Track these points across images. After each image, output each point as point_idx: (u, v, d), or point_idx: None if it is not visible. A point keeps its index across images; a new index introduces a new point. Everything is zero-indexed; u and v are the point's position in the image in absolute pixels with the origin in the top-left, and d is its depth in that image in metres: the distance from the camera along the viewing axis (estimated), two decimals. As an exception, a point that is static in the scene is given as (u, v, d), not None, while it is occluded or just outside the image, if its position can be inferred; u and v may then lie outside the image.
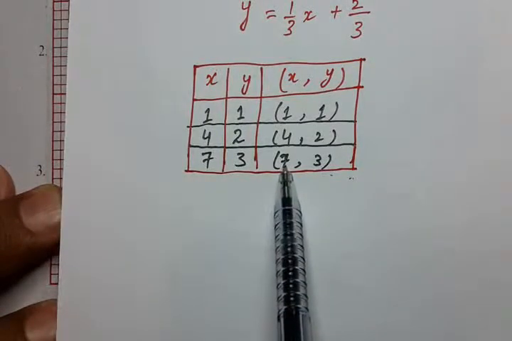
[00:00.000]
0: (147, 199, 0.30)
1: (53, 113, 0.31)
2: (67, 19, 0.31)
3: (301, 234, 0.28)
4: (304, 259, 0.27)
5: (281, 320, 0.26)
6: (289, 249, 0.27)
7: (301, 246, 0.27)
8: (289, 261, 0.27)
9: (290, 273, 0.26)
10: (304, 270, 0.27)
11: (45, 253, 0.30)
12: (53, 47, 0.32)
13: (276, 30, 0.30)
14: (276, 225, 0.28)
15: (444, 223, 0.28)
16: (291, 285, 0.26)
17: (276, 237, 0.28)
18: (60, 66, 0.31)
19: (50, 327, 0.29)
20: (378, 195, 0.28)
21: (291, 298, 0.26)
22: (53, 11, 0.32)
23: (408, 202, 0.28)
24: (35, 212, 0.29)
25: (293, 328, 0.25)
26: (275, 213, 0.28)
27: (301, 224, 0.28)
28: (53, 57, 0.32)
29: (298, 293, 0.26)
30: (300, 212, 0.28)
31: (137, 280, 0.29)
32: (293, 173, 0.29)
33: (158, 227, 0.29)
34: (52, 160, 0.31)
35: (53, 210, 0.30)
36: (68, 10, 0.31)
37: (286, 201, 0.28)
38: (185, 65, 0.30)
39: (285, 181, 0.28)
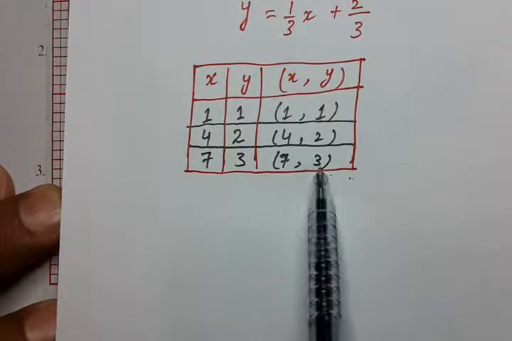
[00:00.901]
0: (147, 199, 0.30)
1: (53, 113, 0.31)
2: (67, 19, 0.31)
3: (335, 238, 0.27)
4: (337, 264, 0.27)
5: (313, 326, 0.26)
6: (322, 253, 0.27)
7: (336, 250, 0.27)
8: (322, 265, 0.26)
9: (323, 278, 0.26)
10: (337, 275, 0.27)
11: (45, 253, 0.30)
12: (53, 47, 0.32)
13: (276, 30, 0.30)
14: (309, 227, 0.28)
15: (443, 223, 0.28)
16: (323, 291, 0.26)
17: (309, 240, 0.28)
18: (60, 66, 0.31)
19: (50, 327, 0.29)
20: (378, 194, 0.28)
21: (324, 303, 0.26)
22: (53, 11, 0.32)
23: (408, 202, 0.28)
24: (35, 211, 0.29)
25: (325, 335, 0.25)
26: (309, 215, 0.28)
27: (335, 227, 0.28)
28: (53, 57, 0.32)
29: (330, 298, 0.26)
30: (335, 215, 0.28)
31: (137, 280, 0.29)
32: (293, 173, 0.29)
33: (158, 227, 0.29)
34: (52, 160, 0.31)
35: (53, 210, 0.30)
36: (68, 10, 0.31)
37: (321, 203, 0.28)
38: (185, 65, 0.30)
39: (320, 182, 0.28)
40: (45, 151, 0.31)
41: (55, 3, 0.32)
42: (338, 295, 0.26)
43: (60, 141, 0.31)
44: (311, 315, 0.26)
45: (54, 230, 0.30)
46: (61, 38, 0.31)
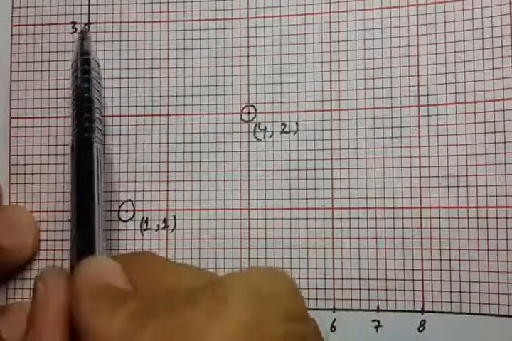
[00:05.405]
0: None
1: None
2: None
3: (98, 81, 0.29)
4: (99, 100, 0.29)
5: (74, 149, 0.27)
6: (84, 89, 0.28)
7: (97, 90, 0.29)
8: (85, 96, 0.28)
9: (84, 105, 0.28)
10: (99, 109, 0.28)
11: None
12: (11, 71, 0.33)
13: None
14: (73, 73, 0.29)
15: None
16: (86, 116, 0.27)
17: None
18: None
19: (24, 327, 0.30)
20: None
21: (86, 126, 0.27)
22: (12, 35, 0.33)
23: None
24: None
25: (87, 158, 0.27)
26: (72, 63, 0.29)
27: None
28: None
29: (92, 125, 0.27)
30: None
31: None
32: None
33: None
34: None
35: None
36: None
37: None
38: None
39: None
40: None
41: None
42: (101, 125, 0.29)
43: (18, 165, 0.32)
44: (72, 140, 0.28)
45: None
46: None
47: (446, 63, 0.30)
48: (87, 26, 0.32)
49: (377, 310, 0.30)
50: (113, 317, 0.20)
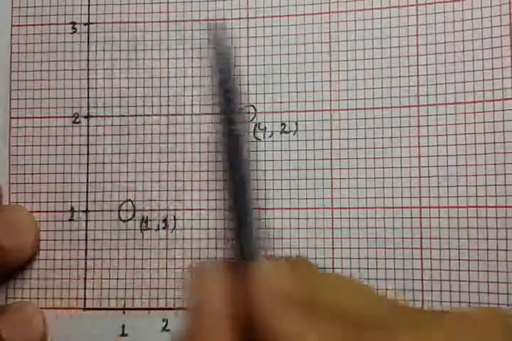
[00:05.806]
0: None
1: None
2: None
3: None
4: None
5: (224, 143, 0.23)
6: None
7: None
8: None
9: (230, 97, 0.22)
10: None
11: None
12: (11, 71, 0.32)
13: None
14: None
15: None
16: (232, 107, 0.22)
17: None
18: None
19: (24, 326, 0.30)
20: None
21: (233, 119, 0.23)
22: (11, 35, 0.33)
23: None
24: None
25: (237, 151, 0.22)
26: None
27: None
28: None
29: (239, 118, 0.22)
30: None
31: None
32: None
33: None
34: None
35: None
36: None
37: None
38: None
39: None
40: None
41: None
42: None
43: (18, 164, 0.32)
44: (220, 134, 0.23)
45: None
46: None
47: (445, 63, 0.30)
48: (86, 26, 0.32)
49: (377, 310, 0.30)
50: (299, 322, 0.20)
